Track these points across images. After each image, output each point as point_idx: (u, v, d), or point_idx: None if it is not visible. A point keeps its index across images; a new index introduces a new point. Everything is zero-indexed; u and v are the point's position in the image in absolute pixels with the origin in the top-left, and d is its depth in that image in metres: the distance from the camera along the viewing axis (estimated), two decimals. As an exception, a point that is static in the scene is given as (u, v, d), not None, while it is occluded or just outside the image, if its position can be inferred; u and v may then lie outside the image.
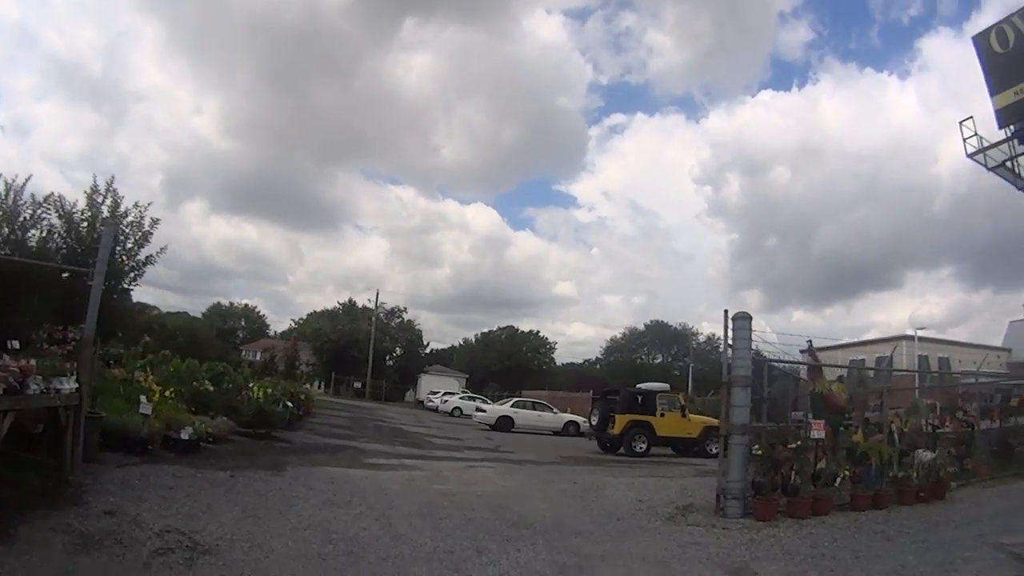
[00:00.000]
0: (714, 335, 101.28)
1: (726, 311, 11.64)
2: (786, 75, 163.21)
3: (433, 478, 13.90)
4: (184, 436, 13.10)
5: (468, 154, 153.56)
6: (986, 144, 21.23)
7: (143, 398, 13.63)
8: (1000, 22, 22.80)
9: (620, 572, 7.54)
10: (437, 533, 8.49)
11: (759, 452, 11.23)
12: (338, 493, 10.75)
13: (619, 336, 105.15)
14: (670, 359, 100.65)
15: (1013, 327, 48.97)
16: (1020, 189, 22.24)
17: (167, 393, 15.29)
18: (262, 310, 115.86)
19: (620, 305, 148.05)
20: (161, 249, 18.26)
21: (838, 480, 12.18)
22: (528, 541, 8.45)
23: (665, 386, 30.87)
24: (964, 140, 21.04)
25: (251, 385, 20.43)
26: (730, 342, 11.58)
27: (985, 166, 21.53)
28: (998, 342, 52.08)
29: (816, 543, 9.44)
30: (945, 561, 8.55)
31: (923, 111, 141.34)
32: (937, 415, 18.01)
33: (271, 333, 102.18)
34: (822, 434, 12.15)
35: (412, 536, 8.24)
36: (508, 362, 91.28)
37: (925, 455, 13.88)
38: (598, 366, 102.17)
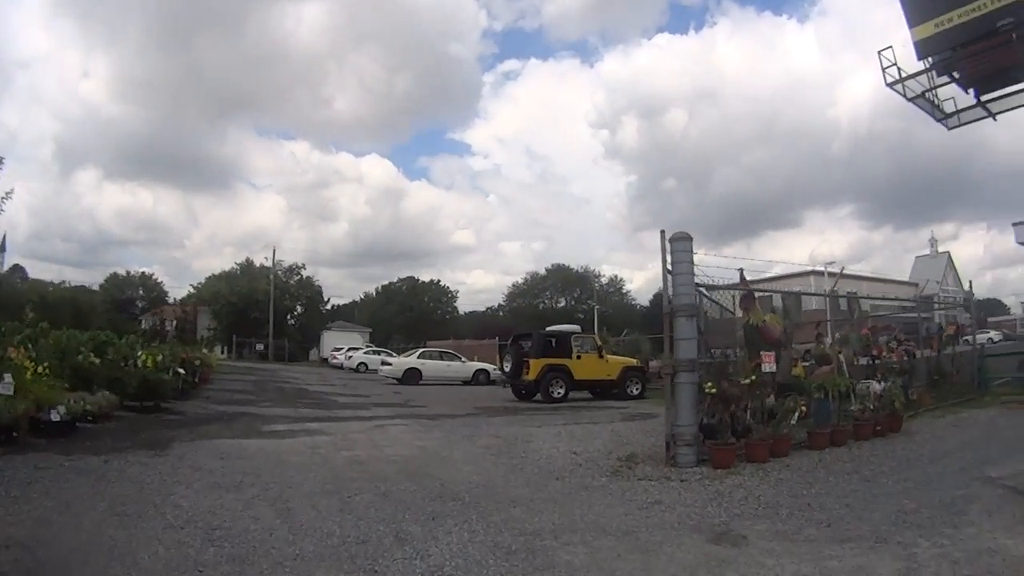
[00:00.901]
0: (616, 276, 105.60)
1: (662, 231, 10.34)
2: (683, 19, 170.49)
3: (339, 443, 12.27)
4: (54, 417, 11.15)
5: (361, 106, 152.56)
6: (905, 75, 20.41)
7: (8, 376, 11.60)
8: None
9: (582, 553, 6.00)
10: (346, 517, 6.92)
11: (712, 390, 9.95)
12: (228, 473, 9.07)
13: (521, 282, 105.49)
14: (573, 302, 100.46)
15: (919, 262, 49.76)
16: (938, 120, 21.63)
17: (40, 369, 13.18)
18: (160, 277, 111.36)
19: (520, 251, 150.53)
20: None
21: (794, 417, 11.09)
22: (458, 518, 6.96)
23: (576, 328, 30.02)
24: (883, 69, 20.35)
25: (140, 354, 18.34)
26: (669, 267, 10.22)
27: (904, 96, 20.74)
28: (899, 278, 53.29)
29: (793, 491, 8.34)
30: (944, 501, 7.59)
31: (821, 55, 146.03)
32: (875, 346, 17.37)
33: (171, 300, 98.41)
34: (774, 367, 11.09)
35: (315, 524, 6.65)
36: (411, 314, 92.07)
37: (875, 386, 13.12)
38: (501, 313, 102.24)
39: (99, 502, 7.31)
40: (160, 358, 18.50)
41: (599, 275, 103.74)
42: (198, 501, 7.49)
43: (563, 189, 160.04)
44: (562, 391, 24.17)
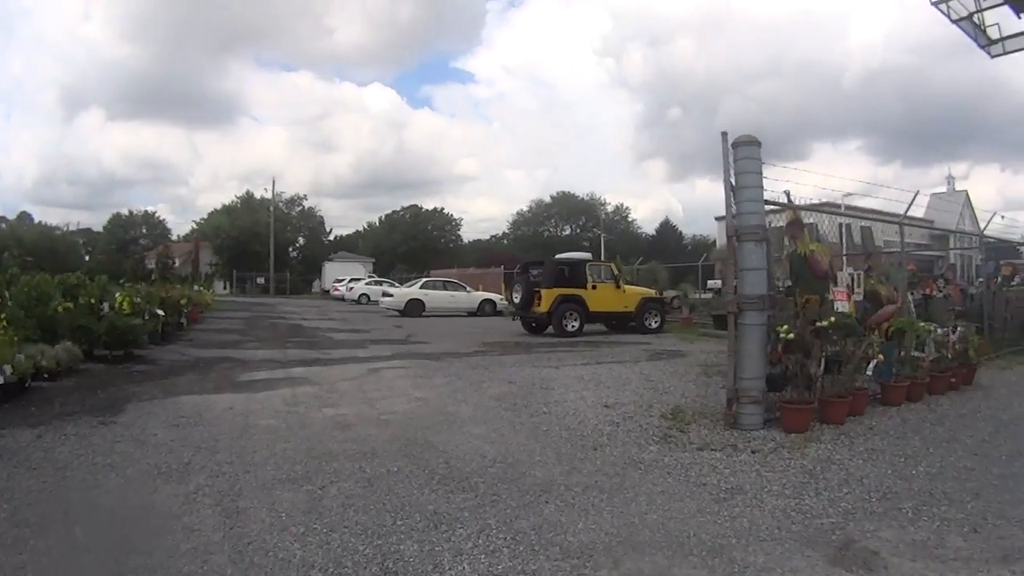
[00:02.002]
0: (622, 205, 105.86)
1: (724, 133, 8.11)
2: None
3: (323, 397, 10.34)
4: (-1, 379, 9.08)
5: (364, 35, 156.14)
6: None
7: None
8: None
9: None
10: (313, 526, 4.89)
11: (788, 335, 7.94)
12: (178, 448, 7.07)
13: (526, 210, 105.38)
14: (578, 231, 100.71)
15: (935, 199, 47.78)
16: (981, 47, 20.00)
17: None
18: (163, 215, 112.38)
19: (523, 180, 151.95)
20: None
21: (870, 366, 9.19)
22: (471, 525, 4.93)
23: (588, 255, 28.14)
24: None
25: (116, 296, 16.33)
26: (732, 179, 8.11)
27: (948, 17, 19.20)
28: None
29: (898, 470, 6.47)
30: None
31: None
32: (927, 283, 15.49)
33: (174, 238, 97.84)
34: (847, 307, 9.12)
35: (268, 540, 4.62)
36: (414, 243, 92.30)
37: (948, 332, 11.28)
38: (505, 241, 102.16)
39: (1, 504, 5.35)
40: (137, 300, 16.53)
41: (604, 203, 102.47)
42: (124, 498, 5.57)
43: (568, 117, 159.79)
44: (576, 324, 22.63)
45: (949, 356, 10.79)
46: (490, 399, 10.13)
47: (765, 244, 8.01)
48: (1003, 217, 17.34)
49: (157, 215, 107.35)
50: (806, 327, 8.09)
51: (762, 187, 8.10)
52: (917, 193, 12.27)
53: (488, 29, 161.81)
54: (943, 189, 58.88)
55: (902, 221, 12.28)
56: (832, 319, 8.26)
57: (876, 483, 5.99)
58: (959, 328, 11.58)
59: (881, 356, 9.24)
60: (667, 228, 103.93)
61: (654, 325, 24.10)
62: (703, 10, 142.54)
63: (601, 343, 19.91)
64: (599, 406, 9.47)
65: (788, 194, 9.54)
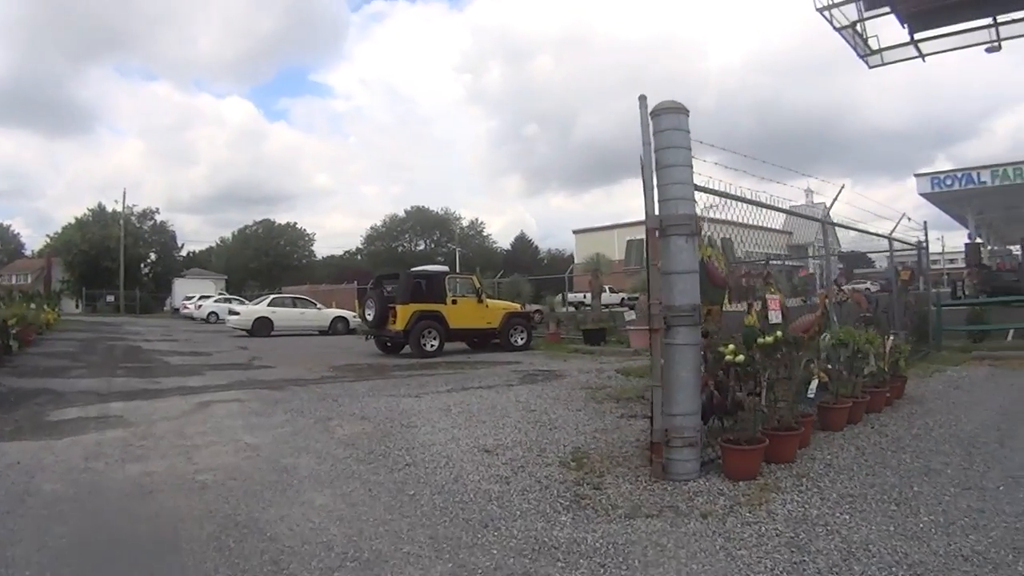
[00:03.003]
0: (477, 219, 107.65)
1: (642, 97, 6.18)
2: None
3: (133, 445, 8.05)
4: None
5: (224, 45, 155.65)
6: (834, 1, 18.81)
7: None
8: None
9: None
10: None
11: (738, 357, 6.25)
12: None
13: (380, 224, 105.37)
14: (433, 245, 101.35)
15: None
16: (861, 56, 20.18)
17: None
18: (18, 229, 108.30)
19: (379, 195, 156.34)
20: None
21: (811, 388, 7.64)
22: None
23: (445, 268, 26.66)
24: None
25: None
26: (653, 158, 6.22)
27: (832, 24, 19.05)
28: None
29: (905, 527, 4.94)
30: None
31: (694, 4, 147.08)
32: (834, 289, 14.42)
33: (28, 253, 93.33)
34: (779, 318, 7.66)
35: None
36: (266, 258, 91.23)
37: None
38: (359, 256, 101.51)
39: None
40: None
41: (459, 218, 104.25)
42: None
43: (425, 132, 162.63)
44: (436, 343, 20.83)
45: (885, 368, 9.56)
46: (339, 445, 8.07)
47: (695, 240, 6.23)
48: (909, 219, 16.66)
49: (12, 229, 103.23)
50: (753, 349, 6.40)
51: (691, 166, 6.32)
52: (843, 187, 11.36)
53: (350, 43, 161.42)
54: (802, 202, 60.48)
55: (825, 220, 11.16)
56: (778, 334, 6.62)
57: (888, 549, 4.45)
58: (891, 337, 10.40)
59: (823, 375, 7.70)
60: (522, 242, 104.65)
61: (520, 342, 22.61)
62: (565, 28, 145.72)
63: (464, 364, 18.12)
64: (477, 451, 7.58)
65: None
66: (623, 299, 41.03)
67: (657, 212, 6.15)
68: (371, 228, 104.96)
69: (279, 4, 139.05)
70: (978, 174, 34.71)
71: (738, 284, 8.55)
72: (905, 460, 6.79)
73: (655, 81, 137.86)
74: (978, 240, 36.84)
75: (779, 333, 6.74)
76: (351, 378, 14.91)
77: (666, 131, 6.19)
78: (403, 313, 20.34)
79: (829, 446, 7.36)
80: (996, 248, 44.87)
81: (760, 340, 6.51)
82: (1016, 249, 39.24)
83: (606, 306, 32.55)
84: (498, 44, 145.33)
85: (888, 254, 15.69)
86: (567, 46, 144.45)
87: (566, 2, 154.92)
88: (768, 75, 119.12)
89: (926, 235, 18.07)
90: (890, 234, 15.09)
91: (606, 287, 36.25)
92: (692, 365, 6.04)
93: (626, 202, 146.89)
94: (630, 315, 23.26)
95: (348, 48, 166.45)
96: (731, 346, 6.28)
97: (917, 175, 34.82)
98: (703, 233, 7.22)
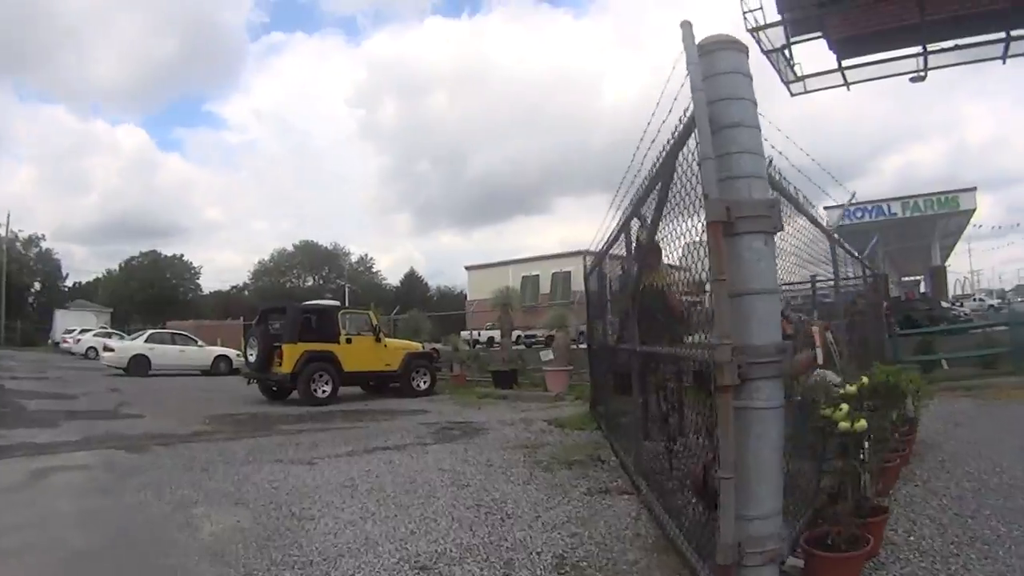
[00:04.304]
0: (366, 255, 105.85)
1: (686, 23, 3.81)
2: (458, 3, 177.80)
3: None
4: None
5: (122, 71, 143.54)
6: (765, 23, 18.16)
7: None
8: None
9: None
10: None
11: (859, 424, 4.20)
12: None
13: (267, 259, 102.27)
14: (322, 281, 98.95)
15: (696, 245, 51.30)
16: (785, 82, 19.81)
17: None
18: None
19: (269, 229, 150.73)
20: None
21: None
22: None
23: (336, 303, 24.14)
24: (744, 14, 17.71)
25: None
26: (708, 111, 3.78)
27: (761, 48, 18.43)
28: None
29: None
30: None
31: (593, 49, 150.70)
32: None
33: None
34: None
35: None
36: (152, 291, 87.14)
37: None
38: (246, 292, 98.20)
39: None
40: None
41: (348, 253, 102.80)
42: None
43: (317, 167, 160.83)
44: (328, 388, 18.16)
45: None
46: (200, 556, 5.40)
47: (774, 242, 3.91)
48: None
49: None
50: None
51: (759, 127, 3.96)
52: (854, 194, 9.71)
53: (247, 75, 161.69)
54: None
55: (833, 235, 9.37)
56: (863, 379, 4.64)
57: None
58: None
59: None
60: (412, 279, 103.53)
61: (423, 385, 20.39)
62: (462, 67, 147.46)
63: (363, 413, 15.70)
64: (409, 568, 4.98)
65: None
66: (519, 336, 38.12)
67: (718, 195, 3.74)
68: (259, 262, 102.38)
69: (178, 29, 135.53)
70: (888, 206, 35.54)
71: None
72: (1000, 529, 5.18)
73: (549, 120, 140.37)
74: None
75: (864, 379, 4.74)
76: (229, 434, 12.39)
77: (725, 74, 3.89)
78: (290, 354, 17.83)
79: (897, 520, 5.51)
80: (904, 279, 45.89)
81: (843, 390, 4.46)
82: (919, 278, 40.14)
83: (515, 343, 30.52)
84: (393, 79, 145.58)
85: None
86: (463, 82, 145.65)
87: (464, 38, 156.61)
88: (659, 115, 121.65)
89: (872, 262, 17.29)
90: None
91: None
92: (776, 440, 3.72)
93: (517, 240, 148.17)
94: (546, 355, 20.99)
95: (245, 79, 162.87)
96: (844, 407, 4.19)
97: (827, 208, 34.97)
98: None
